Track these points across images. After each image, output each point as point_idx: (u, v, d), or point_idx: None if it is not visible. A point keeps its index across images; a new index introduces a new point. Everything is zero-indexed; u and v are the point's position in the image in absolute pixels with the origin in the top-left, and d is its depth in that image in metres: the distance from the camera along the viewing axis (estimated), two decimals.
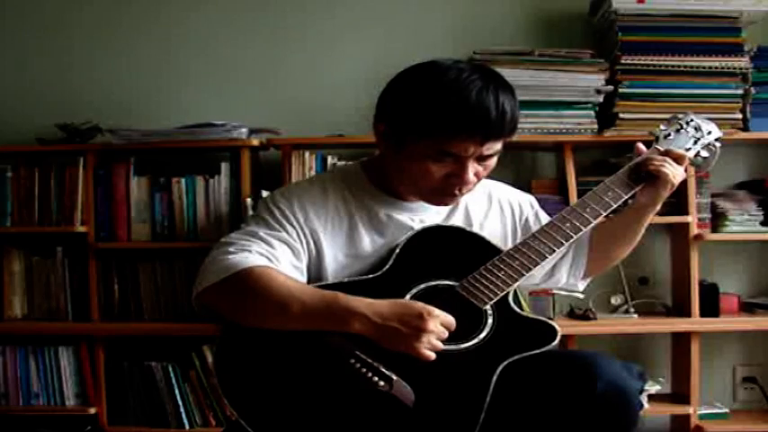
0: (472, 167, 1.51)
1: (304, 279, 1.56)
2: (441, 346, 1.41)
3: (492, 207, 1.72)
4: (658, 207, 1.66)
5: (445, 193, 1.55)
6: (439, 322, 1.41)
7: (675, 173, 1.60)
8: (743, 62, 2.58)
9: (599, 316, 2.65)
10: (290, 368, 1.43)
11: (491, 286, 1.50)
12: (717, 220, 2.67)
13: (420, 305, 1.42)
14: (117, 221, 2.65)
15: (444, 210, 1.66)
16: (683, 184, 2.57)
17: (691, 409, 2.60)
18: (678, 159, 1.63)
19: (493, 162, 1.55)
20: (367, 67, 2.75)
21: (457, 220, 1.66)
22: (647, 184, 1.62)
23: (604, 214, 1.61)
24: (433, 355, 1.40)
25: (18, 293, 2.71)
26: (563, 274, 1.76)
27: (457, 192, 1.54)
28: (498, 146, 1.51)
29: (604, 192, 1.62)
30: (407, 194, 1.61)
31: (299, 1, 2.87)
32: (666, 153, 1.64)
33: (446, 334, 1.42)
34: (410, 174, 1.53)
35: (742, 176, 2.83)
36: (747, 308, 2.75)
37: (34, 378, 2.66)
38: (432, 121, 1.46)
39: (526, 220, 1.73)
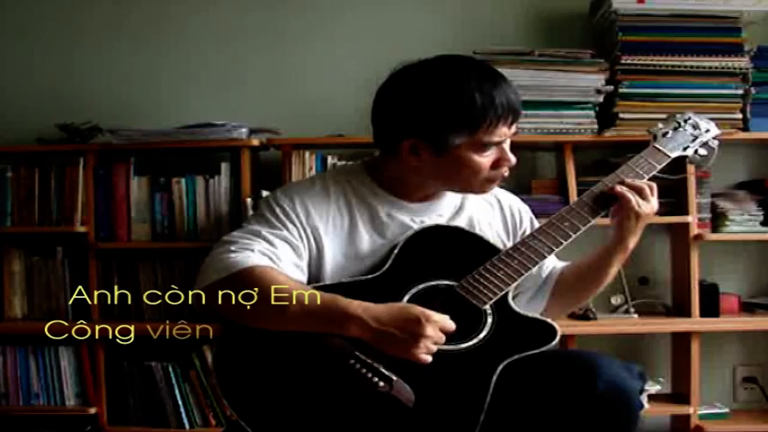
0: (507, 147, 1.58)
1: (305, 277, 1.56)
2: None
3: (494, 210, 1.72)
4: (629, 250, 1.62)
5: (496, 177, 1.59)
6: (437, 327, 1.40)
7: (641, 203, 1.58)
8: (743, 62, 2.57)
9: (599, 316, 2.65)
10: (289, 368, 1.43)
11: (490, 286, 1.49)
12: (717, 220, 2.67)
13: (419, 310, 1.41)
14: (117, 221, 2.65)
15: (447, 212, 1.66)
16: (684, 183, 2.58)
17: (691, 409, 2.60)
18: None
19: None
20: (367, 67, 2.72)
21: (461, 223, 1.66)
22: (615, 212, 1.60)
23: (603, 213, 1.61)
24: (429, 359, 1.39)
25: (18, 293, 2.71)
26: (522, 305, 1.74)
27: (505, 173, 1.59)
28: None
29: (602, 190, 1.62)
30: (446, 191, 1.65)
31: (298, 1, 2.88)
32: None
33: (444, 339, 1.41)
34: (460, 173, 1.56)
35: (742, 176, 2.83)
36: (747, 308, 2.75)
37: (34, 378, 2.66)
38: (474, 117, 1.50)
39: (524, 231, 1.73)
